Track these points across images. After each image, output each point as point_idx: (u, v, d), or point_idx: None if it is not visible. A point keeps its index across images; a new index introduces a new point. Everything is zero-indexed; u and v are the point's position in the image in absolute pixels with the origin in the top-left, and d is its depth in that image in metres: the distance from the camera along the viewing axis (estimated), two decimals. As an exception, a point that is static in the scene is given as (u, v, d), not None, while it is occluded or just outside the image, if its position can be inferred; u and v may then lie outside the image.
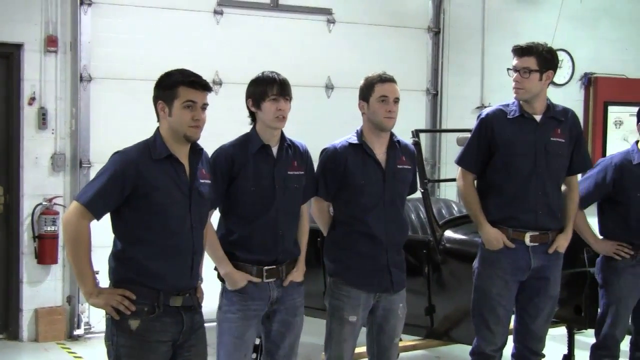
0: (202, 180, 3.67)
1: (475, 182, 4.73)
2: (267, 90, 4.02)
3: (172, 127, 3.56)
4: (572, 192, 4.78)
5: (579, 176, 5.02)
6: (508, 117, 4.62)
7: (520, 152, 4.56)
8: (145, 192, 3.47)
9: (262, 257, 4.05)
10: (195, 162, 3.66)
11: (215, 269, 4.09)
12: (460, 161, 4.75)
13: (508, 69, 4.62)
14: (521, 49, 4.56)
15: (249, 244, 4.04)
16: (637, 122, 5.11)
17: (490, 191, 4.64)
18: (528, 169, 4.55)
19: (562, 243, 4.66)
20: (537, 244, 4.58)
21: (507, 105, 4.68)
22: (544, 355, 4.80)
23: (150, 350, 3.51)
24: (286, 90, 4.05)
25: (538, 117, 4.61)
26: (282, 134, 4.16)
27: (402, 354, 5.65)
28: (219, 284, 4.15)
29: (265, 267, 4.05)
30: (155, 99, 3.60)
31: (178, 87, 3.53)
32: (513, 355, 4.81)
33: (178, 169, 3.58)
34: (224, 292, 4.09)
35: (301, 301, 4.23)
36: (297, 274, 4.18)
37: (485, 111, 4.75)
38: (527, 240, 4.56)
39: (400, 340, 4.84)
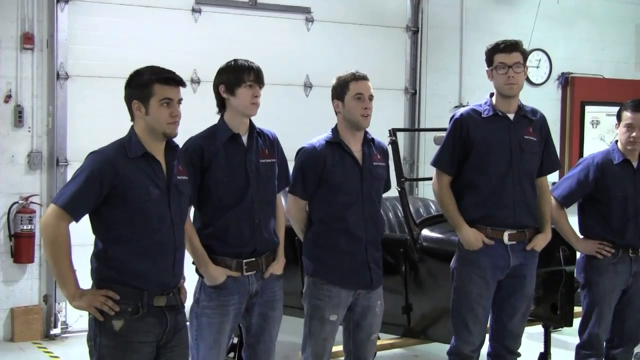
0: (179, 177, 3.66)
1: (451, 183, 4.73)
2: (244, 76, 4.01)
3: (149, 125, 3.54)
4: (545, 193, 4.80)
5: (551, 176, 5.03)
6: (482, 116, 4.62)
7: (496, 150, 4.57)
8: (123, 191, 3.45)
9: (241, 249, 4.02)
10: (171, 159, 3.64)
11: (194, 263, 4.05)
12: (436, 163, 4.73)
13: (494, 68, 4.54)
14: (511, 44, 4.54)
15: (226, 235, 4.01)
16: (617, 122, 5.13)
17: (467, 190, 4.64)
18: (504, 166, 4.56)
19: (540, 243, 4.67)
20: (515, 242, 4.59)
21: (480, 105, 4.69)
22: (520, 354, 4.81)
23: (133, 351, 3.48)
24: (261, 78, 4.07)
25: (511, 116, 4.63)
26: (251, 122, 4.14)
27: (379, 353, 5.66)
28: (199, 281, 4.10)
29: (245, 260, 4.02)
30: (129, 98, 3.57)
31: (153, 85, 3.50)
32: (489, 354, 4.81)
33: (155, 166, 3.56)
34: (202, 286, 4.05)
35: (280, 294, 4.22)
36: (278, 267, 4.17)
37: (458, 112, 4.75)
38: (505, 238, 4.57)
39: (379, 338, 4.84)
